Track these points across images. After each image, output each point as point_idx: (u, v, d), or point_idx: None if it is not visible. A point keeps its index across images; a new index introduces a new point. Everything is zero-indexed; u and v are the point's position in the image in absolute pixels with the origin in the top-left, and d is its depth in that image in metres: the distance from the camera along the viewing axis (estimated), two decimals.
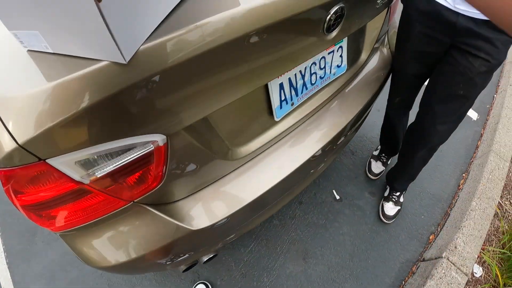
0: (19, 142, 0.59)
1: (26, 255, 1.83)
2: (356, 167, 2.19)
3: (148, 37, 0.65)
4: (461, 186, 2.23)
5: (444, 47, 1.25)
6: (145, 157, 0.79)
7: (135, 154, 0.77)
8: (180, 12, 0.70)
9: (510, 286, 1.79)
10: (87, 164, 0.71)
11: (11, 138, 0.59)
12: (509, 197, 2.22)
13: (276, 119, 1.12)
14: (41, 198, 0.74)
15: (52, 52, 0.63)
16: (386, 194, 2.03)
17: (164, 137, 0.79)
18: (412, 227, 1.99)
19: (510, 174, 2.33)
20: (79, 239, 0.90)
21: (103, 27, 0.52)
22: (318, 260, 1.76)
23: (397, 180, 1.94)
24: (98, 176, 0.74)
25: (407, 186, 1.98)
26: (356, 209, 1.99)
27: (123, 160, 0.76)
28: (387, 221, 1.96)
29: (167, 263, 1.10)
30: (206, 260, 1.29)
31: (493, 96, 2.92)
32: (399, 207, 1.98)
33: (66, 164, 0.68)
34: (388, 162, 2.17)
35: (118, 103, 0.65)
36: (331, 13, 0.92)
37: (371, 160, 2.17)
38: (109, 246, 0.92)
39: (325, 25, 0.94)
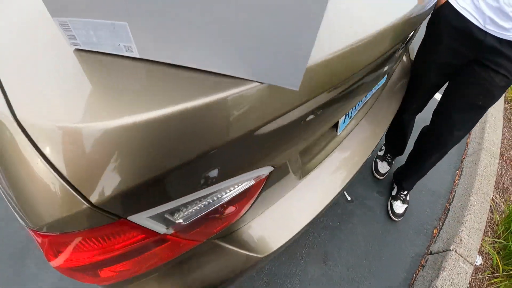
0: (93, 202, 0.45)
1: (20, 280, 1.66)
2: (363, 168, 2.32)
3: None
4: (456, 182, 2.43)
5: (466, 60, 1.39)
6: (243, 193, 0.70)
7: (234, 193, 0.66)
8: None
9: (509, 271, 1.98)
10: (177, 214, 0.60)
11: (79, 197, 0.44)
12: (499, 191, 2.44)
13: (339, 134, 1.17)
14: (105, 257, 0.58)
15: (137, 57, 0.45)
16: (394, 193, 2.18)
17: (272, 168, 0.73)
18: (418, 223, 2.15)
19: (498, 170, 2.56)
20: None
21: (313, 33, 0.39)
22: (337, 261, 1.86)
23: (406, 180, 2.09)
24: (186, 223, 0.63)
25: (414, 185, 2.13)
26: (367, 209, 2.12)
27: (218, 202, 0.65)
28: (396, 219, 2.10)
29: None
30: None
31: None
32: (406, 205, 2.13)
33: (154, 218, 0.56)
34: (393, 162, 2.32)
35: (251, 139, 0.56)
36: (410, 35, 1.00)
37: (377, 160, 2.31)
38: None
39: (403, 45, 1.01)
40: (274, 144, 0.66)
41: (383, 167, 2.27)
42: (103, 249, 0.55)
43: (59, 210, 0.45)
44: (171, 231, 0.62)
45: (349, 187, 2.19)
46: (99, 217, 0.47)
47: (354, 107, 1.13)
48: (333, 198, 1.12)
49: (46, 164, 0.42)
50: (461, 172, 2.49)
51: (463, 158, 2.61)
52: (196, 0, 0.35)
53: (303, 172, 1.04)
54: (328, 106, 0.76)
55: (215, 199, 0.64)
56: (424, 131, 1.83)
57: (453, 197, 2.33)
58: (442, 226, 2.17)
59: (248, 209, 0.80)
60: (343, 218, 2.03)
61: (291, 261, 1.81)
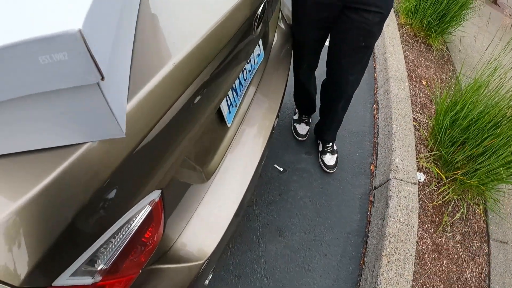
0: (16, 284, 0.54)
1: None
2: (284, 136, 2.71)
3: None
4: (376, 116, 2.90)
5: (337, 9, 1.65)
6: (146, 220, 0.81)
7: (138, 223, 0.78)
8: (136, 66, 0.74)
9: (452, 177, 2.42)
10: (93, 262, 0.70)
11: (4, 286, 0.54)
12: (418, 109, 2.93)
13: (229, 125, 1.30)
14: None
15: None
16: (320, 148, 2.60)
17: (159, 191, 0.84)
18: (353, 166, 2.60)
19: (411, 91, 3.05)
20: None
21: (102, 105, 0.49)
22: (293, 230, 2.21)
23: (326, 133, 2.52)
24: (109, 266, 0.73)
25: (336, 134, 2.56)
26: (301, 172, 2.51)
27: (128, 236, 0.76)
28: (331, 171, 2.52)
29: None
30: (208, 282, 1.45)
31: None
32: (336, 155, 2.56)
33: (75, 274, 0.66)
34: (310, 120, 2.74)
35: (114, 183, 0.66)
36: (259, 12, 1.13)
37: (295, 124, 2.71)
38: None
39: (255, 23, 1.15)
40: (152, 166, 0.79)
41: (302, 128, 2.67)
42: None
43: None
44: (98, 278, 0.72)
45: (277, 158, 2.56)
46: None
47: (236, 94, 1.31)
48: (249, 184, 1.28)
49: None
50: (378, 105, 2.98)
51: (376, 92, 3.11)
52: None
53: (207, 175, 1.18)
54: (197, 97, 0.88)
55: (121, 236, 0.74)
56: (324, 84, 2.24)
57: (378, 131, 2.79)
58: (377, 160, 2.61)
59: (163, 231, 0.92)
60: (282, 189, 2.39)
61: (250, 247, 2.13)
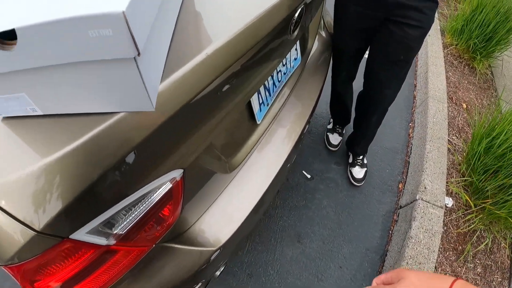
0: (38, 228, 0.60)
1: None
2: (316, 144, 2.71)
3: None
4: (411, 134, 2.86)
5: (378, 21, 1.69)
6: (165, 196, 0.87)
7: (157, 197, 0.84)
8: (174, 48, 0.79)
9: (481, 205, 2.37)
10: (111, 225, 0.76)
11: (25, 227, 0.60)
12: (455, 133, 2.88)
13: (258, 122, 1.34)
14: (65, 277, 0.75)
15: (40, 114, 0.64)
16: (350, 160, 2.58)
17: (181, 170, 0.90)
18: (381, 182, 2.57)
19: (450, 113, 3.00)
20: None
21: (137, 79, 0.55)
22: (312, 238, 2.21)
23: (358, 145, 2.50)
24: (124, 232, 0.79)
25: (367, 148, 2.55)
26: (328, 181, 2.51)
27: (146, 208, 0.82)
28: (358, 184, 2.51)
29: None
30: (219, 274, 1.50)
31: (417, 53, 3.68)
32: (365, 169, 2.54)
33: (91, 232, 0.72)
34: (344, 132, 2.73)
35: (139, 153, 0.72)
36: (296, 15, 1.16)
37: (328, 133, 2.71)
38: None
39: (292, 26, 1.18)
40: (175, 144, 0.84)
41: (334, 138, 2.67)
42: (63, 268, 0.72)
43: (14, 242, 0.61)
44: (112, 241, 0.78)
45: (306, 165, 2.57)
46: (46, 240, 0.63)
47: (269, 93, 1.36)
48: (271, 184, 1.32)
49: None
50: (414, 124, 2.93)
51: (413, 110, 3.06)
52: (60, 76, 0.55)
53: (230, 167, 1.23)
54: (227, 85, 0.93)
55: (140, 207, 0.81)
56: (360, 95, 2.23)
57: (411, 150, 2.75)
58: (406, 179, 2.58)
59: (181, 211, 0.98)
60: (307, 196, 2.40)
61: (267, 248, 2.15)
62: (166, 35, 0.76)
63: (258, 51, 1.01)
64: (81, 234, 0.70)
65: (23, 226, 0.60)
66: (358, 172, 2.51)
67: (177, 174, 0.89)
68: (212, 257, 1.13)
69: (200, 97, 0.82)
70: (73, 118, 0.64)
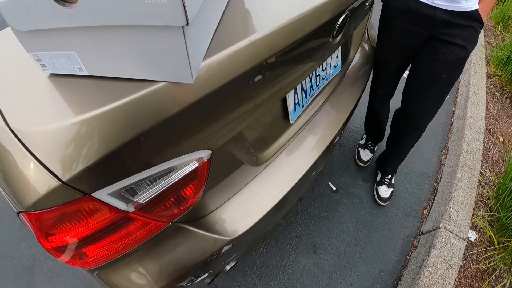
0: (63, 179, 0.63)
1: None
2: (346, 158, 2.69)
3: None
4: (443, 161, 2.81)
5: (423, 39, 1.68)
6: (190, 174, 0.89)
7: (181, 173, 0.86)
8: (220, 30, 0.83)
9: (504, 243, 2.31)
10: (133, 192, 0.78)
11: (51, 176, 0.63)
12: (488, 165, 2.81)
13: (291, 122, 1.36)
14: (81, 235, 0.77)
15: (87, 74, 0.68)
16: (378, 178, 2.55)
17: (210, 152, 0.91)
18: (406, 205, 2.52)
19: (485, 144, 2.94)
20: (116, 272, 0.96)
21: (182, 49, 0.58)
22: (327, 250, 2.19)
23: (388, 165, 2.46)
24: (144, 202, 0.82)
25: (397, 168, 2.50)
26: (353, 196, 2.48)
27: (169, 182, 0.84)
28: (383, 204, 2.47)
29: (201, 277, 1.25)
30: (229, 269, 1.51)
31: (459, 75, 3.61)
32: (392, 189, 2.50)
33: (113, 195, 0.75)
34: (375, 149, 2.70)
35: (173, 126, 0.74)
36: (340, 21, 1.17)
37: (359, 149, 2.69)
38: (150, 273, 1.00)
39: (335, 31, 1.19)
40: (207, 123, 0.85)
41: (365, 154, 2.64)
42: (79, 226, 0.75)
43: (38, 189, 0.63)
44: (131, 208, 0.80)
45: (333, 177, 2.55)
46: (69, 193, 0.66)
47: (305, 95, 1.38)
48: (295, 186, 1.33)
49: (26, 152, 0.63)
50: (447, 151, 2.88)
51: (448, 137, 3.00)
52: (113, 40, 0.59)
53: (259, 161, 1.24)
54: (265, 76, 0.94)
55: (164, 180, 0.83)
56: (397, 114, 2.18)
57: (441, 177, 2.70)
58: (432, 206, 2.53)
59: (203, 193, 0.99)
60: (330, 208, 2.38)
61: (281, 253, 2.14)
62: (216, 14, 0.80)
63: (297, 49, 1.02)
64: (103, 194, 0.73)
65: (50, 174, 0.63)
66: (384, 191, 2.48)
67: (204, 154, 0.90)
68: (225, 248, 1.15)
69: (237, 82, 0.83)
70: (116, 82, 0.68)
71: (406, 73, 1.94)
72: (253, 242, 1.56)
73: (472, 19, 1.54)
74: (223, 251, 1.15)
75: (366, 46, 2.00)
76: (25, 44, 0.62)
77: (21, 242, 2.08)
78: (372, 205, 2.47)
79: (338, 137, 1.68)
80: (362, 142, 2.72)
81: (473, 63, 3.61)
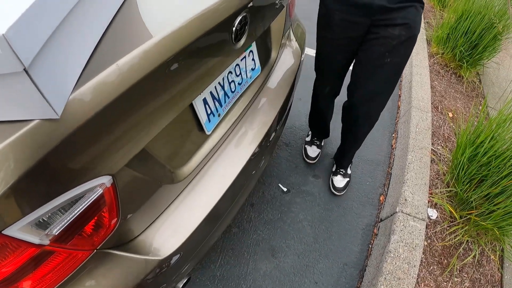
0: None
1: None
2: (294, 157, 2.67)
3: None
4: (394, 145, 2.81)
5: (365, 28, 1.67)
6: (97, 201, 0.88)
7: (87, 201, 0.86)
8: (97, 54, 0.81)
9: (466, 217, 2.31)
10: (43, 225, 0.78)
11: None
12: (440, 142, 2.83)
13: (208, 133, 1.33)
14: (5, 273, 0.77)
15: None
16: (333, 169, 2.55)
17: (110, 177, 0.90)
18: (362, 195, 2.50)
19: (435, 122, 2.96)
20: None
21: (33, 88, 0.61)
22: (286, 252, 2.15)
23: (345, 156, 2.45)
24: (57, 233, 0.82)
25: (352, 159, 2.51)
26: (305, 194, 2.45)
27: (77, 210, 0.84)
28: (338, 193, 2.46)
29: None
30: (182, 286, 1.49)
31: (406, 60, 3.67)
32: (348, 179, 2.50)
33: (23, 229, 0.74)
34: (322, 144, 2.68)
35: (59, 157, 0.74)
36: (236, 23, 1.14)
37: (306, 146, 2.66)
38: None
39: (233, 35, 1.16)
40: (94, 150, 0.84)
41: (313, 151, 2.62)
42: (2, 263, 0.75)
43: None
44: (46, 241, 0.80)
45: (283, 178, 2.52)
46: None
47: (219, 104, 1.37)
48: (224, 196, 1.32)
49: None
50: (397, 134, 2.89)
51: (397, 121, 3.02)
52: None
53: (178, 176, 1.22)
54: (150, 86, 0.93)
55: (72, 209, 0.84)
56: (345, 106, 2.14)
57: (393, 161, 2.70)
58: (388, 191, 2.52)
59: (118, 218, 0.99)
60: (283, 210, 2.34)
61: (240, 262, 2.09)
62: (83, 42, 0.79)
63: (185, 60, 1.00)
64: (13, 231, 0.72)
65: None
66: (339, 181, 2.47)
67: (105, 180, 0.89)
68: (160, 267, 1.13)
69: (118, 104, 0.82)
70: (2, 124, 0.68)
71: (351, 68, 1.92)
72: (198, 255, 1.50)
73: (409, 1, 1.54)
74: (161, 269, 1.14)
75: (293, 44, 1.97)
76: None
77: None
78: (327, 201, 2.44)
79: (270, 139, 1.67)
80: (308, 139, 2.70)
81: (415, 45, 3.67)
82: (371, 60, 1.74)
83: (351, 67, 1.92)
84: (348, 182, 2.50)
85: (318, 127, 2.55)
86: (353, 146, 2.34)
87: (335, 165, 2.56)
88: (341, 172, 2.49)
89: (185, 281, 1.50)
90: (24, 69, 0.58)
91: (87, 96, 0.76)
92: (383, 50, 1.66)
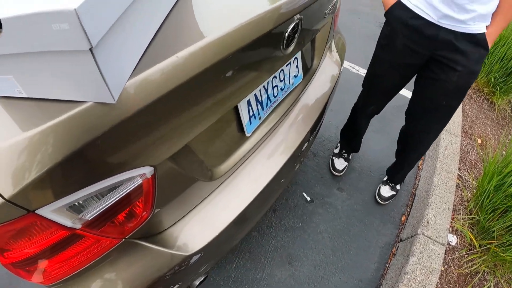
0: (6, 196, 0.65)
1: None
2: (320, 168, 2.67)
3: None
4: (420, 166, 2.80)
5: (424, 59, 1.67)
6: (135, 191, 0.89)
7: (125, 190, 0.87)
8: (154, 46, 0.84)
9: (486, 246, 2.30)
10: (77, 209, 0.79)
11: None
12: (466, 168, 2.81)
13: (247, 135, 1.35)
14: (32, 252, 0.79)
15: (26, 96, 0.71)
16: (384, 179, 2.58)
17: (152, 168, 0.91)
18: (384, 213, 2.49)
19: (463, 147, 2.94)
20: (74, 287, 0.96)
21: (95, 70, 0.61)
22: (303, 261, 2.16)
23: (398, 173, 2.47)
24: (89, 218, 0.83)
25: (404, 178, 2.55)
26: (328, 206, 2.45)
27: (113, 198, 0.85)
28: (382, 202, 2.49)
29: None
30: (199, 284, 1.50)
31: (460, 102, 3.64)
32: (394, 192, 2.52)
33: (56, 211, 0.75)
34: (350, 157, 2.67)
35: (105, 143, 0.75)
36: (289, 30, 1.16)
37: (333, 158, 2.66)
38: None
39: (284, 41, 1.18)
40: (142, 139, 0.85)
41: (340, 163, 2.62)
42: (29, 243, 0.77)
43: None
44: (78, 225, 0.81)
45: (307, 187, 2.52)
46: (13, 210, 0.68)
47: (261, 107, 1.37)
48: (255, 199, 1.33)
49: None
50: (424, 155, 2.87)
51: None
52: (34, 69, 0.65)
53: (214, 175, 1.23)
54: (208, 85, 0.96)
55: (109, 197, 0.85)
56: (403, 130, 2.20)
57: (419, 182, 2.69)
58: (410, 212, 2.52)
59: (152, 210, 1.00)
60: (304, 219, 2.35)
61: (256, 266, 2.10)
62: (144, 31, 0.81)
63: (239, 61, 1.03)
64: (47, 211, 0.74)
65: None
66: (386, 191, 2.50)
67: (147, 170, 0.90)
68: (184, 262, 1.13)
69: (171, 97, 0.84)
70: (54, 103, 0.70)
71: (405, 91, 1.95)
72: (220, 255, 1.52)
73: (477, 44, 1.51)
74: (183, 265, 1.15)
75: (334, 55, 1.99)
76: None
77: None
78: (349, 215, 2.43)
79: (303, 148, 1.67)
80: (336, 151, 2.70)
81: None
82: (427, 100, 1.77)
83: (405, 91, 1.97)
84: (393, 196, 2.52)
85: (350, 141, 2.56)
86: (404, 167, 2.36)
87: (386, 176, 2.58)
88: (390, 184, 2.52)
89: (202, 279, 1.51)
90: (90, 49, 0.58)
91: (144, 84, 0.77)
92: (440, 93, 1.69)
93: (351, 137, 2.52)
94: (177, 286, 1.28)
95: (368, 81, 2.02)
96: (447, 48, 1.54)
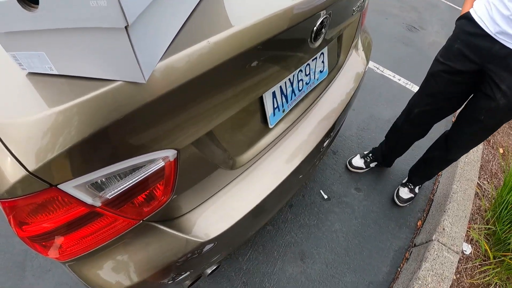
0: (30, 169, 0.66)
1: None
2: (339, 166, 2.67)
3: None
4: (440, 172, 2.78)
5: (473, 68, 1.67)
6: (156, 173, 0.90)
7: (147, 172, 0.88)
8: (185, 30, 0.85)
9: (500, 258, 2.28)
10: (99, 186, 0.80)
11: (20, 166, 0.66)
12: (486, 177, 2.78)
13: (270, 126, 1.35)
14: (50, 227, 0.81)
15: (57, 73, 0.72)
16: (404, 181, 2.58)
17: (175, 152, 0.92)
18: (400, 216, 2.47)
19: (484, 155, 2.91)
20: (88, 265, 0.98)
21: (129, 48, 0.62)
22: (315, 259, 2.16)
23: (416, 176, 2.48)
24: (110, 197, 0.84)
25: (423, 182, 2.54)
26: (344, 206, 2.44)
27: (135, 179, 0.86)
28: (400, 204, 2.49)
29: (176, 279, 1.24)
30: (210, 272, 1.51)
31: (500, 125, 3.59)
32: (413, 195, 2.51)
33: (78, 188, 0.76)
34: (371, 165, 2.67)
35: (132, 123, 0.76)
36: (317, 23, 1.17)
37: (354, 158, 2.68)
38: (121, 269, 1.02)
39: (313, 35, 1.19)
40: (168, 122, 0.86)
41: (356, 161, 2.64)
42: (49, 217, 0.78)
43: (8, 177, 0.67)
44: (98, 203, 0.83)
45: (325, 185, 2.51)
46: (36, 183, 0.69)
47: (286, 100, 1.37)
48: (274, 192, 1.33)
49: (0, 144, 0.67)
50: None
51: None
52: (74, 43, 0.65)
53: (235, 165, 1.24)
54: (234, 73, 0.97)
55: (130, 177, 0.86)
56: (445, 134, 2.18)
57: (437, 187, 2.67)
58: (426, 217, 2.50)
59: (172, 194, 1.00)
60: (320, 217, 2.34)
61: (268, 260, 2.10)
62: (176, 15, 0.83)
63: (268, 51, 1.03)
64: (69, 187, 0.75)
65: (19, 164, 0.66)
66: (405, 193, 2.51)
67: (170, 153, 0.91)
68: (198, 249, 1.15)
69: (199, 82, 0.85)
70: (84, 80, 0.71)
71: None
72: (234, 246, 1.53)
73: None
74: (197, 252, 1.15)
75: (359, 53, 1.98)
76: (3, 44, 0.68)
77: (14, 237, 2.09)
78: (365, 215, 2.42)
79: (324, 145, 1.67)
80: (365, 152, 2.73)
81: None
82: (469, 111, 1.80)
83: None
84: (411, 198, 2.52)
85: (385, 151, 2.57)
86: (427, 174, 2.40)
87: (407, 178, 2.57)
88: (409, 186, 2.52)
89: (214, 268, 1.52)
90: (126, 27, 0.58)
91: (172, 68, 0.78)
92: (481, 106, 1.71)
93: (387, 156, 2.57)
94: (188, 273, 1.29)
95: (428, 76, 2.00)
96: (499, 64, 1.54)
